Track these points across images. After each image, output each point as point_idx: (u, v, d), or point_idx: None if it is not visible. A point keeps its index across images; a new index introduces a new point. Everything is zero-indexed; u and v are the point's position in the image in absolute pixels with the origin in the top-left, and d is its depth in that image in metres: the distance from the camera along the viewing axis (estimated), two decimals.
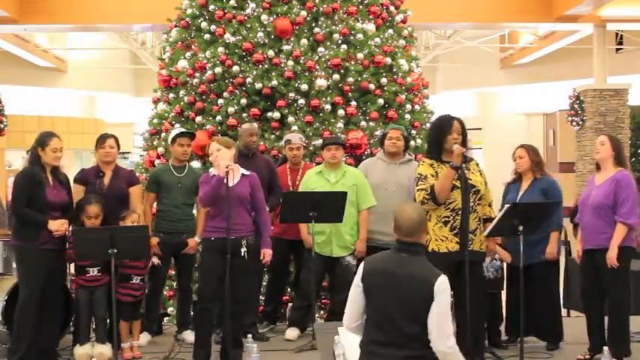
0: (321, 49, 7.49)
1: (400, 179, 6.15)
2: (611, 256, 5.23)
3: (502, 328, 6.02)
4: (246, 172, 5.37)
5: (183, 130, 6.53)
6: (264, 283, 6.68)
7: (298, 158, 6.57)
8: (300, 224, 6.15)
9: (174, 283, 6.86)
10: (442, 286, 3.48)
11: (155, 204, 6.20)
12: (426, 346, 3.48)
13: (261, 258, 5.37)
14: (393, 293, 3.51)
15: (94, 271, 5.57)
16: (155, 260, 5.93)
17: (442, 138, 4.91)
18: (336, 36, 7.52)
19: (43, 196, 5.32)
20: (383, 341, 3.52)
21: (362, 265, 3.67)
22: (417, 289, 3.48)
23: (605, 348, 4.61)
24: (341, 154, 6.26)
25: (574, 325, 5.96)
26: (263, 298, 6.64)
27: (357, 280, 3.63)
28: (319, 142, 7.13)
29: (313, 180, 6.18)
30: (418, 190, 4.86)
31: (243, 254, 5.20)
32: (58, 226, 5.30)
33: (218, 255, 5.20)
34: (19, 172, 5.64)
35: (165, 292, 6.90)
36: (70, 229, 5.46)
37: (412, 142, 7.51)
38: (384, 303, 3.54)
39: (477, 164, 5.13)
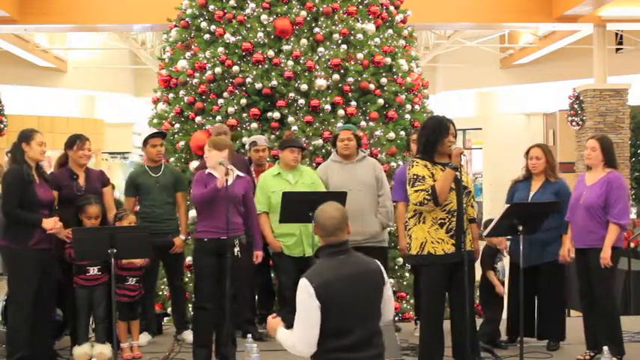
0: (321, 49, 7.49)
1: (360, 177, 6.14)
2: (605, 256, 5.25)
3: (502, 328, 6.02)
4: (241, 174, 5.43)
5: (153, 130, 6.52)
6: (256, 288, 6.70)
7: (263, 160, 6.58)
8: (266, 229, 6.12)
9: None
10: (381, 266, 3.66)
11: (138, 207, 6.18)
12: (382, 341, 3.58)
13: (254, 259, 5.44)
14: (357, 294, 3.48)
15: (93, 270, 5.56)
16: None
17: (439, 141, 4.89)
18: (336, 36, 7.52)
19: (34, 194, 5.22)
20: (352, 346, 3.44)
21: (306, 285, 3.44)
22: (375, 281, 3.57)
23: (605, 348, 4.60)
24: (300, 157, 6.26)
25: (574, 325, 5.96)
26: (257, 302, 6.64)
27: (311, 302, 3.41)
28: (319, 142, 7.14)
29: (272, 182, 6.13)
30: (416, 190, 4.82)
31: (236, 253, 5.24)
32: (52, 224, 5.24)
33: (213, 256, 5.26)
34: (8, 170, 5.42)
35: (165, 293, 6.91)
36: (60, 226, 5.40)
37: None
38: (348, 308, 3.46)
39: (463, 165, 5.13)
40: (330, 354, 3.45)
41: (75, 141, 5.73)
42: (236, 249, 5.24)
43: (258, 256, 5.50)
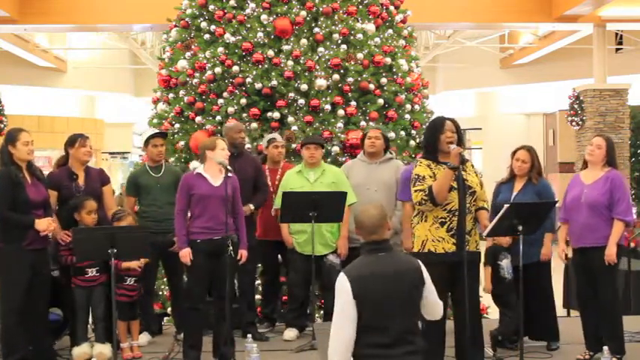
0: (320, 49, 7.49)
1: (381, 178, 6.14)
2: (610, 253, 5.25)
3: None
4: (230, 174, 5.35)
5: (155, 130, 6.54)
6: (261, 286, 6.69)
7: (282, 156, 6.60)
8: (281, 225, 6.14)
9: None
10: (422, 266, 3.69)
11: (137, 206, 6.18)
12: (419, 338, 3.60)
13: (238, 258, 5.41)
14: (391, 292, 3.53)
15: (92, 272, 5.56)
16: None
17: (436, 138, 4.92)
18: (335, 36, 7.52)
19: (25, 195, 5.16)
20: (388, 343, 3.51)
21: (344, 280, 3.51)
22: (411, 280, 3.60)
23: (605, 347, 4.61)
24: (320, 153, 6.24)
25: (574, 325, 5.95)
26: (261, 300, 6.64)
27: (347, 298, 3.48)
28: None
29: (293, 179, 6.19)
30: (415, 190, 4.85)
31: (230, 253, 5.24)
32: (46, 225, 5.17)
33: (206, 256, 5.27)
34: None
35: (165, 292, 6.91)
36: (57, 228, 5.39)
37: (412, 142, 7.53)
38: (383, 305, 3.53)
39: (472, 165, 5.14)
40: (365, 349, 3.53)
41: (76, 139, 5.78)
42: (229, 248, 5.24)
43: (243, 255, 5.44)
